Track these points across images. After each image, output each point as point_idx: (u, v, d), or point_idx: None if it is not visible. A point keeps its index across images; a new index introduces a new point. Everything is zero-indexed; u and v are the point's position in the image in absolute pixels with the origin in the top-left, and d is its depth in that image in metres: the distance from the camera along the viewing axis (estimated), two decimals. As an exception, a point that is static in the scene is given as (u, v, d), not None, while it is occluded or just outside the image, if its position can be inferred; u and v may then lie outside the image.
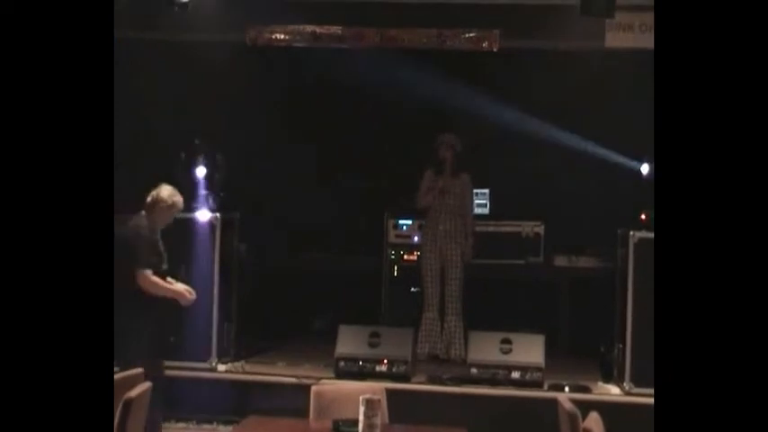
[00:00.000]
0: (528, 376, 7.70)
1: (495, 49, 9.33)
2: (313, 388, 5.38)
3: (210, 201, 8.40)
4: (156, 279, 6.43)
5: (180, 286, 6.65)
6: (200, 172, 8.53)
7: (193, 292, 6.68)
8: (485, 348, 7.90)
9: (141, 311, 6.41)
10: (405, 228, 9.93)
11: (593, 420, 4.54)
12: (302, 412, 5.26)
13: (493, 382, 7.72)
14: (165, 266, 6.60)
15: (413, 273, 9.48)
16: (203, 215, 8.24)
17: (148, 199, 6.65)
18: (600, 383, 7.95)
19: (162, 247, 6.64)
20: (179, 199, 6.72)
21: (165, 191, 6.67)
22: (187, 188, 8.43)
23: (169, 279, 6.63)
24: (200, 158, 8.60)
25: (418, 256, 9.37)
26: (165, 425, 7.47)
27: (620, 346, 7.81)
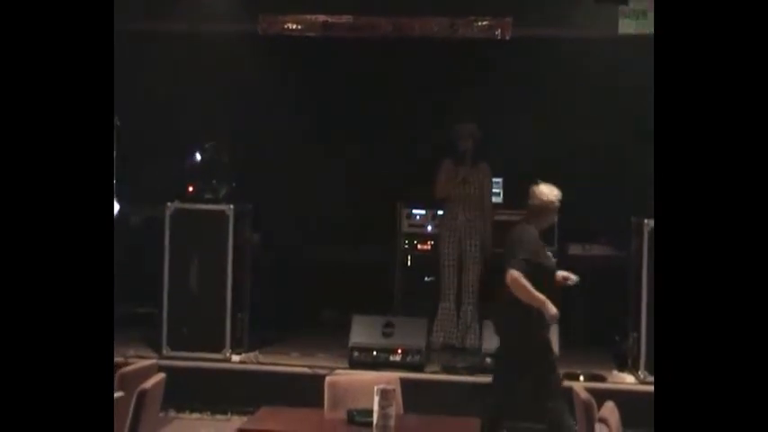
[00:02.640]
0: (542, 365, 7.68)
1: (507, 38, 9.31)
2: (327, 378, 5.37)
3: (224, 191, 8.40)
4: (523, 282, 6.10)
5: (543, 297, 6.16)
6: (213, 162, 8.53)
7: (556, 310, 6.17)
8: (499, 338, 7.88)
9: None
10: (418, 217, 9.89)
11: (609, 409, 4.53)
12: (316, 402, 5.26)
13: (507, 372, 7.70)
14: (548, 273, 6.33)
15: (426, 262, 9.46)
16: (217, 205, 8.24)
17: (530, 204, 6.45)
18: (615, 372, 7.93)
19: (548, 255, 6.49)
20: (555, 192, 6.48)
21: (543, 191, 6.46)
22: (199, 179, 8.46)
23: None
24: (214, 149, 8.60)
25: (433, 245, 9.36)
26: (180, 415, 7.51)
27: (635, 334, 7.79)
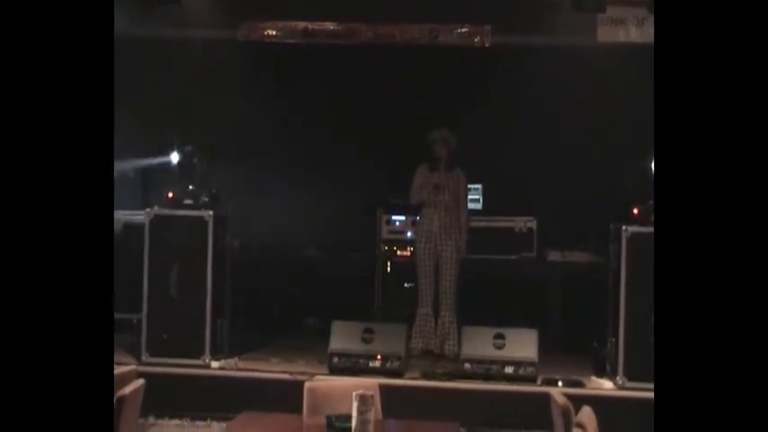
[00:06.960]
0: (521, 371, 7.71)
1: (486, 45, 9.36)
2: (306, 384, 5.38)
3: (203, 197, 8.39)
4: None
5: None
6: (192, 168, 8.51)
7: None
8: (478, 343, 7.91)
9: None
10: (397, 223, 9.92)
11: (586, 415, 4.55)
12: (296, 408, 5.26)
13: (486, 378, 7.73)
14: None
15: (406, 268, 9.48)
16: (196, 211, 8.23)
17: None
18: (593, 378, 7.96)
19: None
20: None
21: None
22: (179, 184, 8.45)
23: None
24: (193, 154, 8.59)
25: (411, 251, 9.38)
26: (159, 422, 7.49)
27: (613, 340, 7.83)
